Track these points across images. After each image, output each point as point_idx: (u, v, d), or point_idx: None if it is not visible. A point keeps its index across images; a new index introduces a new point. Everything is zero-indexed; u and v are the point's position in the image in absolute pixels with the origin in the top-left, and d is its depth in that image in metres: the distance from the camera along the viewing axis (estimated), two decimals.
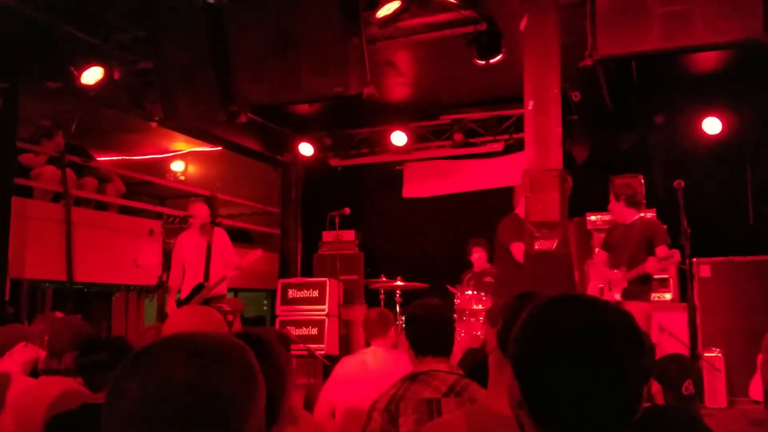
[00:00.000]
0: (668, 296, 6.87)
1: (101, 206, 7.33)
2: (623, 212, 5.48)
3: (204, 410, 0.91)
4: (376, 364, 3.83)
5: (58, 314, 5.13)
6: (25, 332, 3.59)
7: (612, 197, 5.54)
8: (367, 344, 4.15)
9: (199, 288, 6.05)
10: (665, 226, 5.34)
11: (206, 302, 5.71)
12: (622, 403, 1.02)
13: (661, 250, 5.13)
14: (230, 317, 4.28)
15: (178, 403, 0.90)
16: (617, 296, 5.29)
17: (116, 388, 0.93)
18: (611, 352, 1.01)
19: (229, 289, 7.09)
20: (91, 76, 6.19)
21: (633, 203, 5.46)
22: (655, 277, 5.57)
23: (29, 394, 2.78)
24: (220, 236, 6.40)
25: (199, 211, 6.34)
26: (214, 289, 6.03)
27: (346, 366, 3.98)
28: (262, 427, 0.99)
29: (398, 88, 8.13)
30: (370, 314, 4.24)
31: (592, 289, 6.08)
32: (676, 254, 5.05)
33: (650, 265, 5.08)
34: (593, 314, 1.05)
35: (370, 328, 4.06)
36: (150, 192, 9.40)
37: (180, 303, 6.03)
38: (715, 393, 6.16)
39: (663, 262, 5.10)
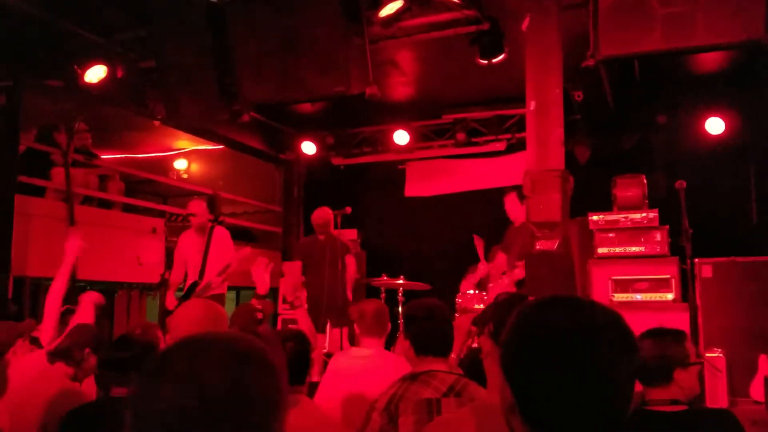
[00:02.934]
0: (670, 296, 6.85)
1: (104, 204, 7.34)
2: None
3: (242, 412, 0.91)
4: (367, 370, 3.43)
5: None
6: (18, 328, 3.60)
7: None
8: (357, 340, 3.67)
9: (193, 286, 6.05)
10: None
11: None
12: (611, 402, 1.02)
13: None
14: (260, 315, 4.25)
15: (216, 406, 0.89)
16: None
17: (148, 388, 0.92)
18: (600, 353, 1.01)
19: (230, 288, 7.09)
20: (94, 74, 6.20)
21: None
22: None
23: (26, 392, 2.78)
24: (221, 235, 6.31)
25: (197, 208, 6.28)
26: (211, 289, 5.98)
27: (339, 364, 3.65)
28: (284, 424, 0.99)
29: (400, 88, 8.13)
30: (365, 308, 3.68)
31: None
32: None
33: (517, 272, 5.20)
34: (581, 315, 1.05)
35: (366, 325, 3.60)
36: (153, 190, 9.42)
37: (180, 300, 6.01)
38: (716, 393, 6.14)
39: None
